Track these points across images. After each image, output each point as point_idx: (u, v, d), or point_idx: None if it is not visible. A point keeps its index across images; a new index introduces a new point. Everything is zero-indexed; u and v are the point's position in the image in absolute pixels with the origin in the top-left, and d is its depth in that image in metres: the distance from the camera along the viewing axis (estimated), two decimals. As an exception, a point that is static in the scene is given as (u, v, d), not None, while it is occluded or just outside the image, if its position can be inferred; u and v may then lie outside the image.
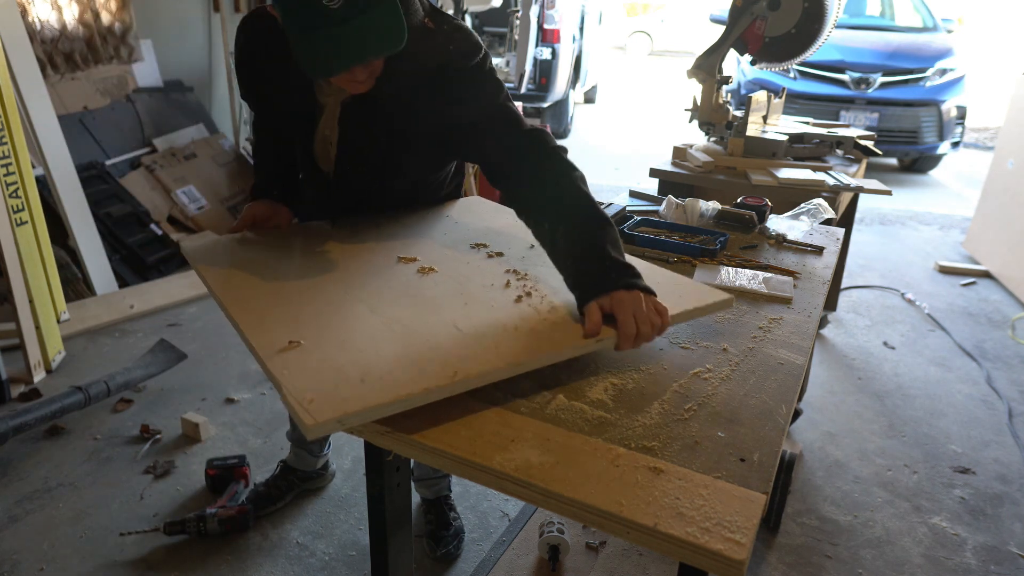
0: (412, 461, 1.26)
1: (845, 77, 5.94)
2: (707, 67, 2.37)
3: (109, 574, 1.83)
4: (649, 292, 1.02)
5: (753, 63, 2.43)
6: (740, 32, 2.33)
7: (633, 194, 2.11)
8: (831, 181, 2.14)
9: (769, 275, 1.39)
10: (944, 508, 2.18)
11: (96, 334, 3.07)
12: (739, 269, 1.42)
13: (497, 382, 0.93)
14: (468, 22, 5.58)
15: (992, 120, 9.56)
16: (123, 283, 3.48)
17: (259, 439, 2.40)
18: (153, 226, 3.75)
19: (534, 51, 6.78)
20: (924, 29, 6.83)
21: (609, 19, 10.56)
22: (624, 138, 8.15)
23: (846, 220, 2.85)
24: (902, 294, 3.80)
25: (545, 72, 6.95)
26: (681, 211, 1.71)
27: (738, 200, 1.75)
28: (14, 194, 2.68)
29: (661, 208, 1.78)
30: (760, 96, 2.50)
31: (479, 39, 1.34)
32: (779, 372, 1.04)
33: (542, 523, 1.71)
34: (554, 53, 6.94)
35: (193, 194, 4.15)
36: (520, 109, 4.64)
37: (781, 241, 1.66)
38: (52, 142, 3.20)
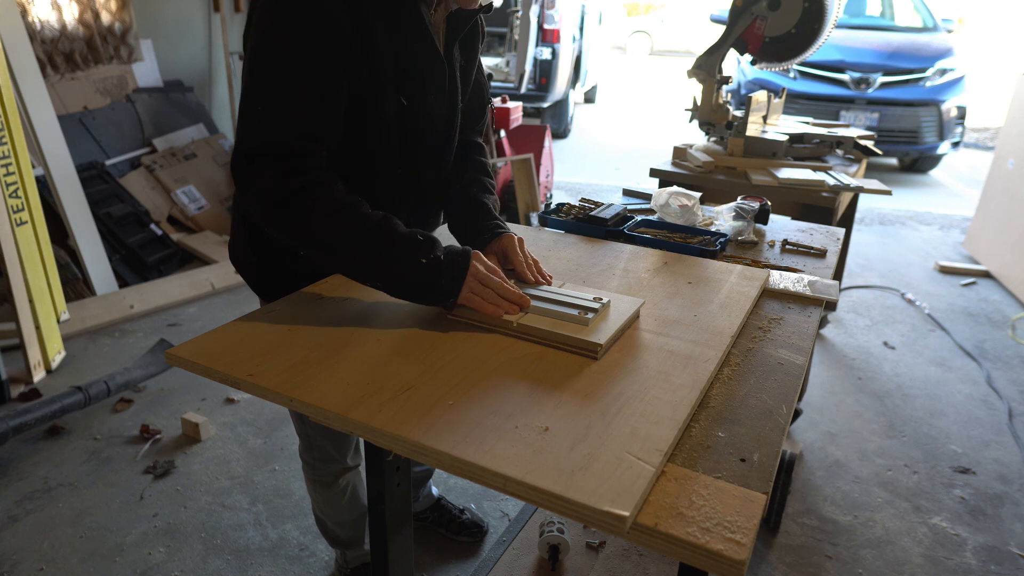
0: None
1: (845, 77, 5.95)
2: (707, 67, 2.37)
3: (109, 574, 1.83)
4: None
5: (753, 63, 2.43)
6: (740, 32, 2.33)
7: (627, 192, 2.11)
8: (831, 181, 2.14)
9: (814, 278, 1.40)
10: (944, 508, 2.18)
11: (96, 334, 3.07)
12: (783, 272, 1.43)
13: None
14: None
15: (992, 120, 9.57)
16: (123, 283, 3.48)
17: (259, 439, 2.40)
18: (153, 226, 3.76)
19: (534, 51, 6.78)
20: (924, 29, 6.84)
21: (609, 19, 10.56)
22: (624, 138, 8.16)
23: (846, 220, 2.85)
24: (902, 294, 3.80)
25: (545, 72, 6.96)
26: (677, 203, 1.71)
27: (738, 200, 1.75)
28: (14, 194, 2.68)
29: (651, 203, 1.78)
30: (760, 96, 2.50)
31: None
32: (779, 372, 1.04)
33: (542, 523, 1.72)
34: (554, 53, 6.94)
35: (193, 194, 4.16)
36: (520, 109, 4.67)
37: (784, 244, 1.66)
38: (52, 142, 3.20)
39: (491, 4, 1.26)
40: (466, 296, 1.08)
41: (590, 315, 1.07)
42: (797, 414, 2.61)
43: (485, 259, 1.10)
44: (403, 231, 1.08)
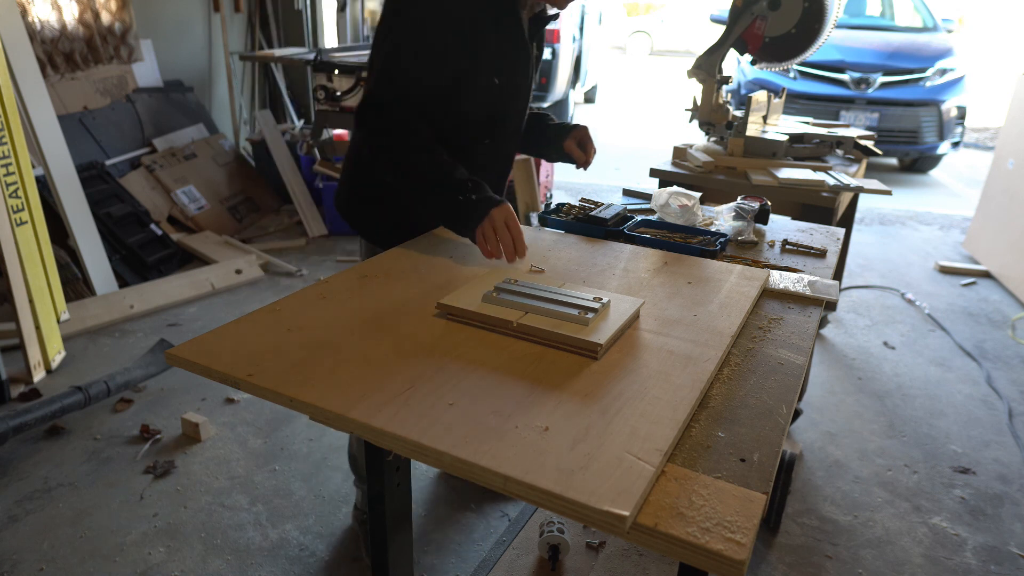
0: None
1: (845, 77, 5.94)
2: (707, 67, 2.37)
3: (109, 574, 1.83)
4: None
5: (753, 63, 2.42)
6: (740, 32, 2.33)
7: (627, 192, 2.11)
8: (831, 181, 2.14)
9: (814, 278, 1.40)
10: (944, 508, 2.18)
11: (96, 334, 3.07)
12: (783, 272, 1.43)
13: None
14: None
15: (992, 120, 9.56)
16: (123, 283, 3.48)
17: (259, 439, 2.40)
18: (153, 226, 3.76)
19: (534, 51, 6.77)
20: (924, 29, 6.83)
21: (609, 19, 10.56)
22: (624, 138, 8.15)
23: (846, 220, 2.85)
24: (902, 294, 3.80)
25: (545, 72, 6.95)
26: (677, 203, 1.72)
27: (738, 200, 1.75)
28: (14, 194, 2.68)
29: (650, 203, 1.79)
30: (760, 96, 2.50)
31: None
32: (779, 372, 1.04)
33: (542, 523, 1.72)
34: (554, 53, 6.94)
35: (193, 194, 4.16)
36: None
37: (784, 244, 1.66)
38: (52, 142, 3.20)
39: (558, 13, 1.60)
40: (477, 233, 1.33)
41: (590, 315, 1.07)
42: (797, 414, 2.61)
43: (512, 214, 1.33)
44: (460, 176, 1.36)
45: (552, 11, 1.59)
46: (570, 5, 1.52)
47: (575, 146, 1.71)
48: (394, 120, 1.37)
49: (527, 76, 1.58)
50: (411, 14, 1.38)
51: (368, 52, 4.44)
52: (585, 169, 1.75)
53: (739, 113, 2.43)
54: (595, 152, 1.74)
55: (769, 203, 1.75)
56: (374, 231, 1.65)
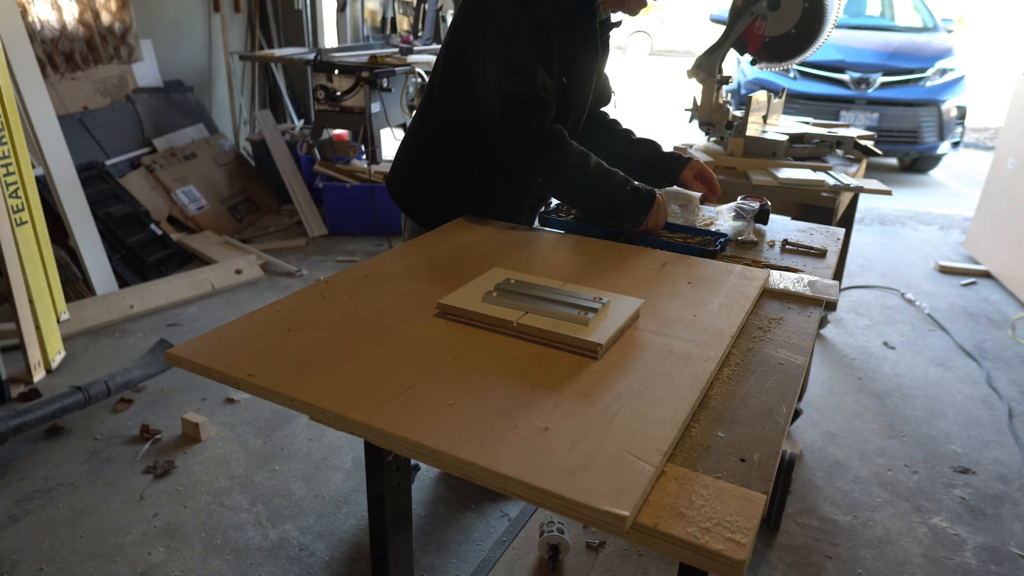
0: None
1: (845, 77, 5.94)
2: (707, 67, 2.37)
3: (109, 574, 1.83)
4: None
5: (753, 63, 2.42)
6: (740, 32, 2.33)
7: None
8: (831, 181, 2.14)
9: (814, 278, 1.40)
10: (944, 508, 2.18)
11: (96, 334, 3.07)
12: (783, 272, 1.43)
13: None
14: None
15: (992, 120, 9.56)
16: (123, 283, 3.48)
17: (259, 439, 2.40)
18: (153, 226, 3.76)
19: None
20: (924, 29, 6.83)
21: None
22: (624, 138, 8.14)
23: (846, 220, 2.85)
24: (902, 294, 3.80)
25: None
26: (677, 203, 1.72)
27: (738, 200, 1.75)
28: (14, 194, 2.68)
29: None
30: (760, 96, 2.50)
31: None
32: (779, 372, 1.04)
33: (542, 523, 1.72)
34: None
35: (193, 194, 4.16)
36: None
37: (784, 244, 1.66)
38: (52, 142, 3.20)
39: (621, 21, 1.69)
40: (650, 216, 1.51)
41: (590, 315, 1.07)
42: (797, 414, 2.61)
43: (662, 200, 1.52)
44: (612, 167, 1.52)
45: (616, 17, 1.65)
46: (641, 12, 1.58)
47: (694, 180, 1.76)
48: (546, 128, 1.46)
49: (591, 76, 1.67)
50: (508, 22, 1.45)
51: (369, 52, 4.43)
52: (713, 203, 1.80)
53: (739, 113, 2.43)
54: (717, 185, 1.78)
55: (769, 203, 1.75)
56: (431, 216, 1.69)
